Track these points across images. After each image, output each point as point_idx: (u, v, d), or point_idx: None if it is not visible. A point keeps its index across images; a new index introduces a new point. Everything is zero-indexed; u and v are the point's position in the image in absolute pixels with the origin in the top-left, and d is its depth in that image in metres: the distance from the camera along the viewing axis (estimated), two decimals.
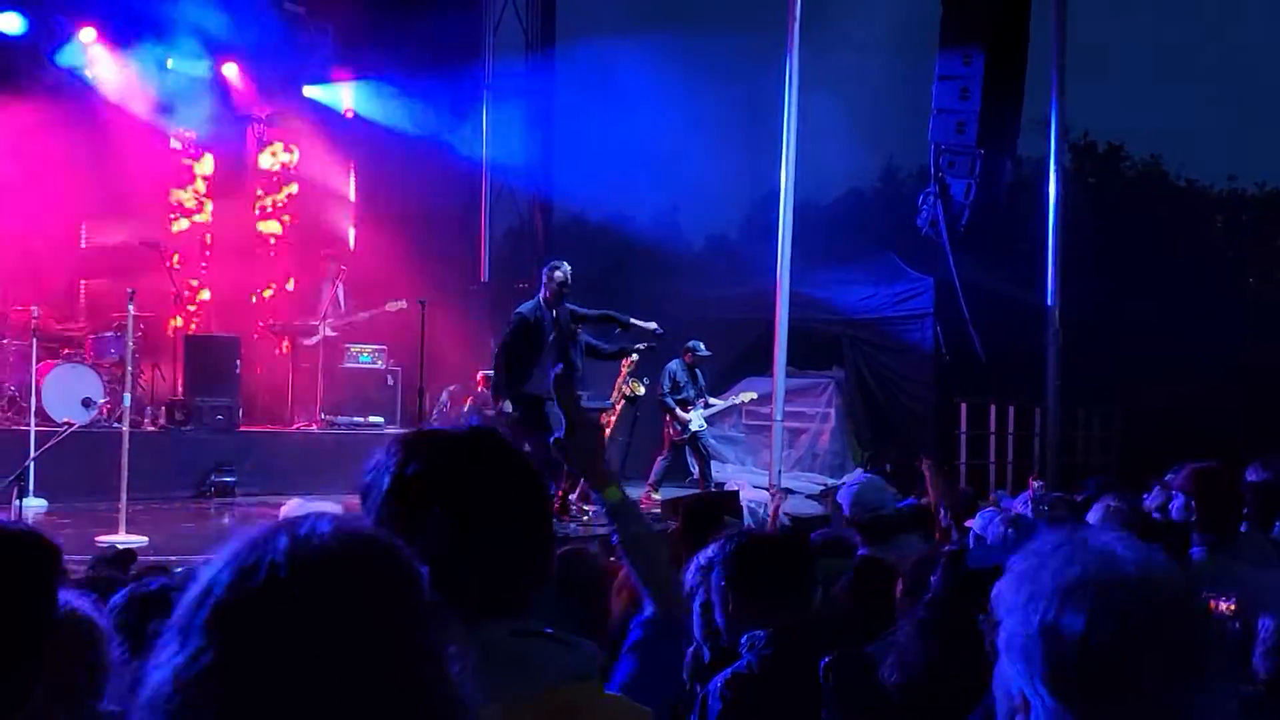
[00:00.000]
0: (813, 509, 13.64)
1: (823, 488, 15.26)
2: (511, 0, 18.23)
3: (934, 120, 14.88)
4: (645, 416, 14.10)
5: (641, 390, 13.59)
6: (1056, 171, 16.46)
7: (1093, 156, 34.51)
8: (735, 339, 16.48)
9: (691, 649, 3.96)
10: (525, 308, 11.15)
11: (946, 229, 14.92)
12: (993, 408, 17.67)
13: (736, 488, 11.97)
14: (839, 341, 17.21)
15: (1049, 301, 16.03)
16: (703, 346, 13.95)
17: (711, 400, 14.08)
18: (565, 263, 11.40)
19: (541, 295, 11.19)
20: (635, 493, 13.35)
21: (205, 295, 15.33)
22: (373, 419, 14.39)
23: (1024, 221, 17.97)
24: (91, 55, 14.26)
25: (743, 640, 3.46)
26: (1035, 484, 10.13)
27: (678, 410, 13.67)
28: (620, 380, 13.71)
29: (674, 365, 13.87)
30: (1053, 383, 16.00)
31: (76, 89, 14.15)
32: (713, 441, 14.70)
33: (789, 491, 13.67)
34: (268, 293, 15.97)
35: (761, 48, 14.97)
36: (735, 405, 14.93)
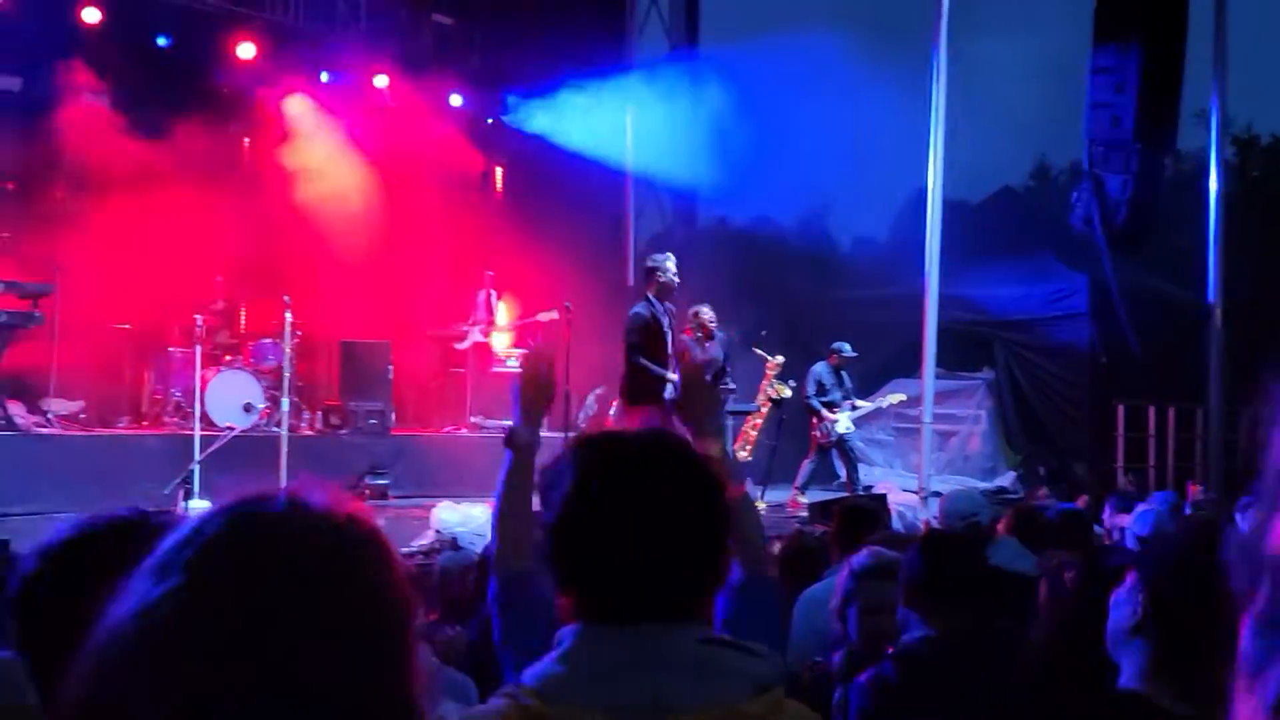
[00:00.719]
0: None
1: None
2: (655, 4, 18.30)
3: (1088, 115, 14.51)
4: (791, 419, 14.01)
5: (788, 393, 13.51)
6: (1218, 166, 15.91)
7: (1256, 150, 33.27)
8: (883, 341, 16.28)
9: (842, 650, 3.92)
10: (640, 308, 11.08)
11: (1102, 226, 14.52)
12: (1151, 410, 17.12)
13: (884, 491, 11.83)
14: (990, 342, 16.86)
15: (1210, 299, 15.50)
16: (848, 348, 13.81)
17: (859, 402, 13.93)
18: (670, 254, 11.37)
19: (651, 292, 11.11)
20: (782, 496, 13.29)
21: (359, 301, 15.68)
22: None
23: (1184, 218, 17.40)
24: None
25: (901, 641, 3.42)
26: (1195, 489, 9.80)
27: (824, 413, 13.55)
28: (765, 383, 13.65)
29: (820, 368, 13.76)
30: (1215, 383, 15.48)
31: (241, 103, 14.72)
32: (860, 444, 14.54)
33: (938, 495, 13.45)
34: (417, 298, 16.26)
35: (908, 43, 14.77)
36: (883, 407, 14.75)
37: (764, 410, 13.64)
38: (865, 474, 14.47)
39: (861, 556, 3.98)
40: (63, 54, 13.58)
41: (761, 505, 12.61)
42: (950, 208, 12.94)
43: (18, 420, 11.49)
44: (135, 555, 1.57)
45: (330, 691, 1.08)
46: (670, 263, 11.07)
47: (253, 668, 1.06)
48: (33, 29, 13.19)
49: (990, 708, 2.86)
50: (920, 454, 12.79)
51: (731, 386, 12.35)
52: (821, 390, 13.63)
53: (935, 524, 5.98)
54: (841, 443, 13.62)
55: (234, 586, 1.09)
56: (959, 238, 14.42)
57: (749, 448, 13.78)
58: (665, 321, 11.05)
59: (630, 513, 1.75)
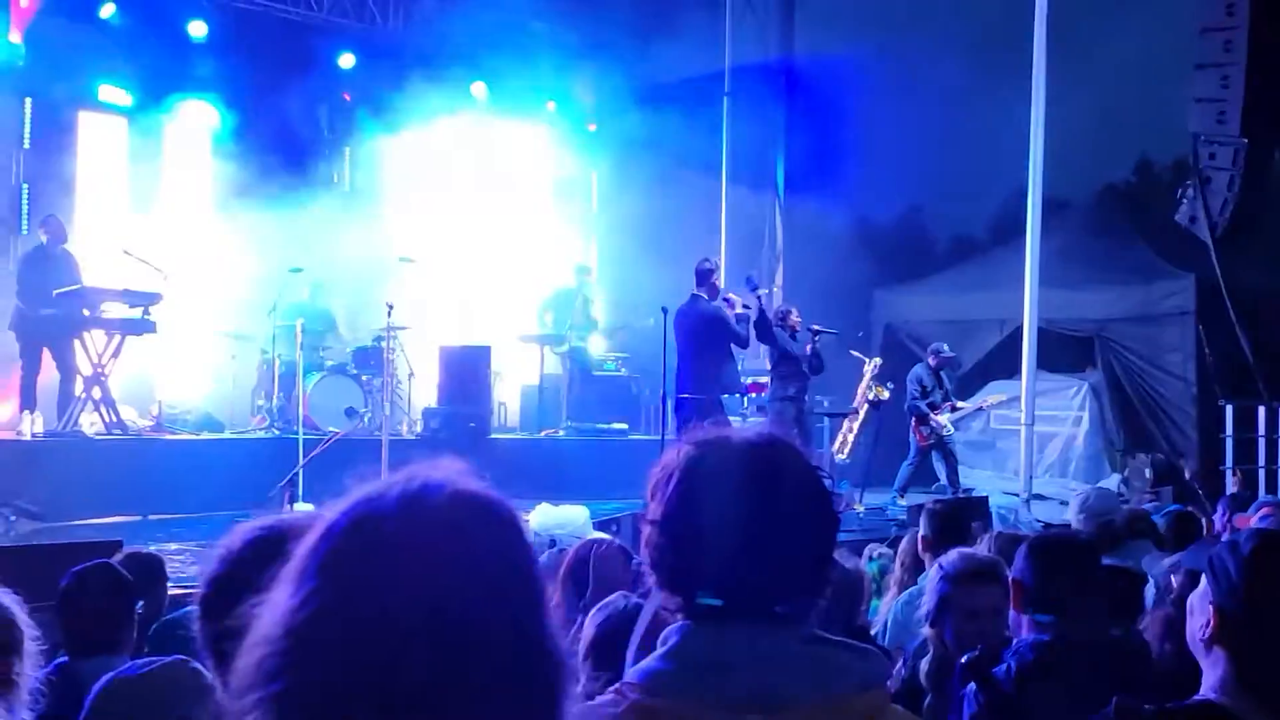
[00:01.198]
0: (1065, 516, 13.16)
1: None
2: (750, 5, 18.26)
3: (1193, 110, 14.19)
4: (889, 421, 13.88)
5: (886, 395, 13.40)
6: None
7: None
8: (982, 341, 16.07)
9: (931, 654, 3.88)
10: (715, 307, 11.07)
11: (1208, 223, 14.20)
12: (1261, 409, 16.66)
13: (985, 494, 11.67)
14: (1092, 342, 16.54)
15: None
16: (946, 347, 13.64)
17: (959, 403, 13.76)
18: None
19: (710, 293, 11.08)
20: (880, 499, 13.18)
21: (457, 305, 15.86)
22: (616, 426, 14.63)
23: None
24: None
25: (1015, 645, 3.37)
26: None
27: (931, 415, 13.33)
28: (863, 385, 13.55)
29: (920, 369, 13.58)
30: None
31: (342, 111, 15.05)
32: (960, 446, 14.35)
33: (1040, 498, 13.26)
34: (512, 303, 16.41)
35: (1006, 39, 14.57)
36: (982, 408, 14.56)
37: (862, 411, 13.54)
38: (965, 476, 14.29)
39: (952, 559, 3.92)
40: (171, 67, 13.96)
41: (859, 508, 12.53)
42: (1051, 206, 12.74)
43: (130, 424, 11.80)
44: None
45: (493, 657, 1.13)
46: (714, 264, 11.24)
47: (427, 643, 1.10)
48: (143, 44, 13.55)
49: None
50: (1021, 456, 12.61)
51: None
52: (923, 392, 13.46)
53: (1074, 522, 5.88)
54: (943, 444, 13.46)
55: (364, 595, 1.12)
56: (1059, 235, 14.21)
57: (846, 449, 13.70)
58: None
59: (738, 512, 1.76)
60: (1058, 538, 4.00)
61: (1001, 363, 15.45)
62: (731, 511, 1.76)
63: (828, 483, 1.87)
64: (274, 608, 1.15)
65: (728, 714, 1.68)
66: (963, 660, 3.40)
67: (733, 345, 11.05)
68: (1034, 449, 13.02)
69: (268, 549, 1.65)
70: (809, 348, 12.07)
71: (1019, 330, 12.61)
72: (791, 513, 1.79)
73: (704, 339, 10.84)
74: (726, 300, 11.05)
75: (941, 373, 13.64)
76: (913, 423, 13.48)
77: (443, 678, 1.11)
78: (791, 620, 1.77)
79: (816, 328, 12.21)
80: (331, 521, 1.19)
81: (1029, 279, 12.20)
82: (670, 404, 11.00)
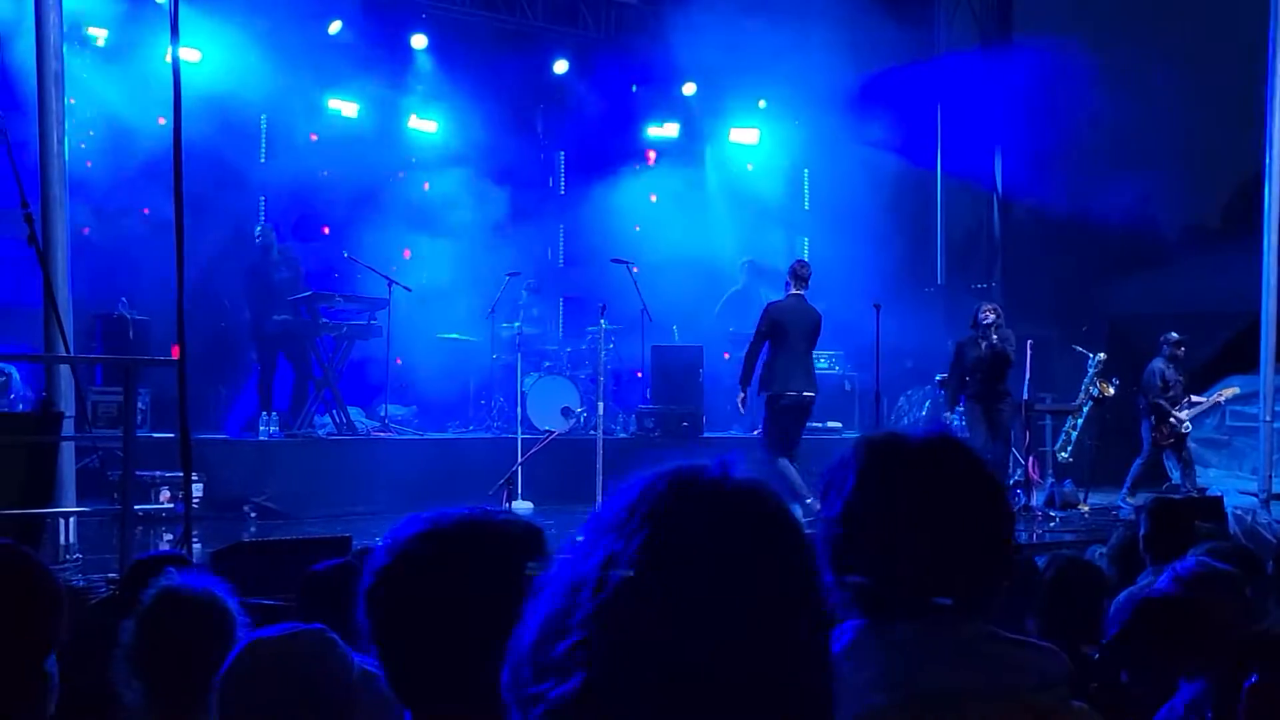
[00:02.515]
0: None
1: None
2: None
3: None
4: (1114, 418, 13.40)
5: (1111, 391, 12.94)
6: None
7: None
8: (1216, 332, 15.37)
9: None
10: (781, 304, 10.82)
11: None
12: None
13: (1220, 494, 11.17)
14: None
15: None
16: (1175, 335, 13.00)
17: (1193, 398, 13.16)
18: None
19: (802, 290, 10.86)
20: (1107, 499, 12.74)
21: (669, 306, 16.00)
22: (830, 424, 14.53)
23: None
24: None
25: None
26: None
27: (1174, 412, 12.76)
28: (1088, 381, 13.12)
29: (1158, 363, 12.96)
30: None
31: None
32: (1193, 444, 13.75)
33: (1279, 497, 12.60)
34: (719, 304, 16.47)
35: (1239, 14, 13.91)
36: (1219, 403, 13.92)
37: (1085, 409, 13.12)
38: (1199, 476, 13.69)
39: (1189, 564, 3.75)
40: (397, 77, 14.54)
41: (1084, 508, 12.15)
42: None
43: (358, 425, 12.31)
44: (479, 552, 1.69)
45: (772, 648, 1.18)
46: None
47: (713, 625, 1.15)
48: (370, 55, 14.14)
49: None
50: (1261, 454, 12.03)
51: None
52: (1165, 387, 12.86)
53: None
54: (1181, 442, 12.89)
55: (688, 548, 1.19)
56: None
57: (1069, 448, 13.29)
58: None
59: (913, 508, 1.79)
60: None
61: (1237, 356, 14.73)
62: (904, 505, 1.80)
63: (999, 478, 1.89)
64: (588, 558, 1.21)
65: (902, 711, 1.70)
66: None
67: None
68: (1274, 446, 12.39)
69: (436, 545, 1.72)
70: (983, 344, 11.63)
71: (1257, 320, 12.03)
72: (964, 506, 1.81)
73: (812, 341, 10.88)
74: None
75: (1174, 365, 13.06)
76: (1152, 420, 12.90)
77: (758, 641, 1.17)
78: (972, 614, 1.78)
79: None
80: (650, 482, 1.27)
81: (1267, 264, 11.64)
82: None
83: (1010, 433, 12.01)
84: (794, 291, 10.82)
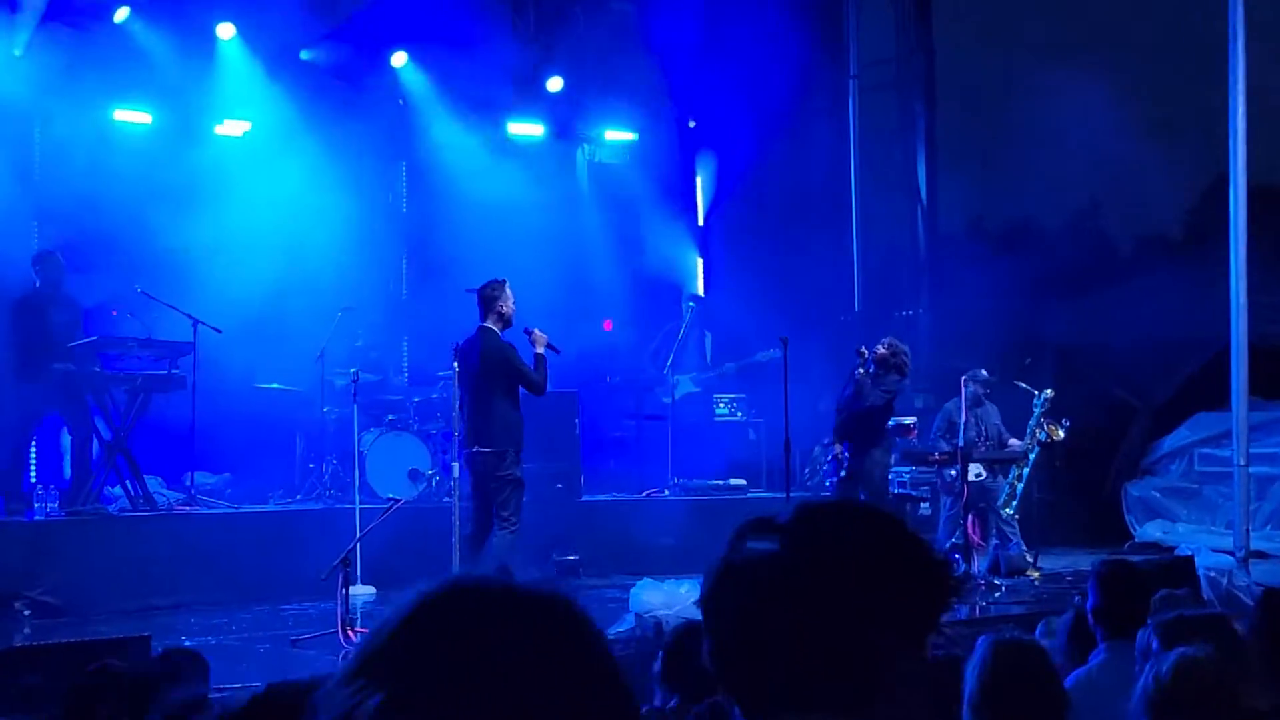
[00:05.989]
0: None
1: None
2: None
3: None
4: (1066, 465, 13.71)
5: (1061, 434, 13.23)
6: None
7: None
8: (1178, 363, 15.82)
9: None
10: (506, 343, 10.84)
11: None
12: None
13: (1190, 554, 11.47)
14: None
15: None
16: (984, 373, 13.39)
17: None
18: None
19: (499, 326, 10.79)
20: (1059, 563, 12.97)
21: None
22: (734, 482, 14.61)
23: None
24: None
25: None
26: None
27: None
28: (1034, 422, 13.38)
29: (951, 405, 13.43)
30: None
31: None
32: (1156, 494, 14.11)
33: (1260, 555, 12.97)
34: (607, 339, 16.49)
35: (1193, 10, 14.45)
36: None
37: (1031, 456, 13.37)
38: (1165, 531, 14.05)
39: (1168, 663, 3.81)
40: (200, 75, 14.39)
41: (1035, 574, 12.37)
42: (1259, 196, 12.55)
43: (158, 497, 12.07)
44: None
45: None
46: (509, 288, 10.89)
47: None
48: (167, 47, 13.99)
49: None
50: (1236, 504, 12.39)
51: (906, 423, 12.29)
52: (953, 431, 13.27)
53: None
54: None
55: (449, 679, 1.22)
56: (1273, 232, 13.95)
57: (1014, 503, 13.52)
58: None
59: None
60: None
61: (1203, 390, 15.18)
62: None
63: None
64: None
65: None
66: None
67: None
68: (1250, 495, 12.77)
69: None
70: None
71: (1226, 349, 12.41)
72: (895, 592, 1.81)
73: (492, 381, 10.64)
74: (527, 332, 10.90)
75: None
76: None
77: None
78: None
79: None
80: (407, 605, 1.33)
81: (1235, 285, 12.02)
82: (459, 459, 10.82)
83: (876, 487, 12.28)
84: (484, 324, 10.72)
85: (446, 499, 11.68)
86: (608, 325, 15.49)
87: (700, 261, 17.58)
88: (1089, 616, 5.52)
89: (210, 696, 5.61)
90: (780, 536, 1.79)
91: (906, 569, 1.80)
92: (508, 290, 10.79)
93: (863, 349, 12.15)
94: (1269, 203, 13.88)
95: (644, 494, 14.68)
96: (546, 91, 16.25)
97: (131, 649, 5.86)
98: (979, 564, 12.52)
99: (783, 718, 1.76)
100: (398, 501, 11.69)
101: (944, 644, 4.47)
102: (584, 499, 13.91)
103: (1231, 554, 12.04)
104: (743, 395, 15.56)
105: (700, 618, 1.82)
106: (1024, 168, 16.97)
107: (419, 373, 14.93)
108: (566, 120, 16.71)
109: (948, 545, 12.29)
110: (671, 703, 4.50)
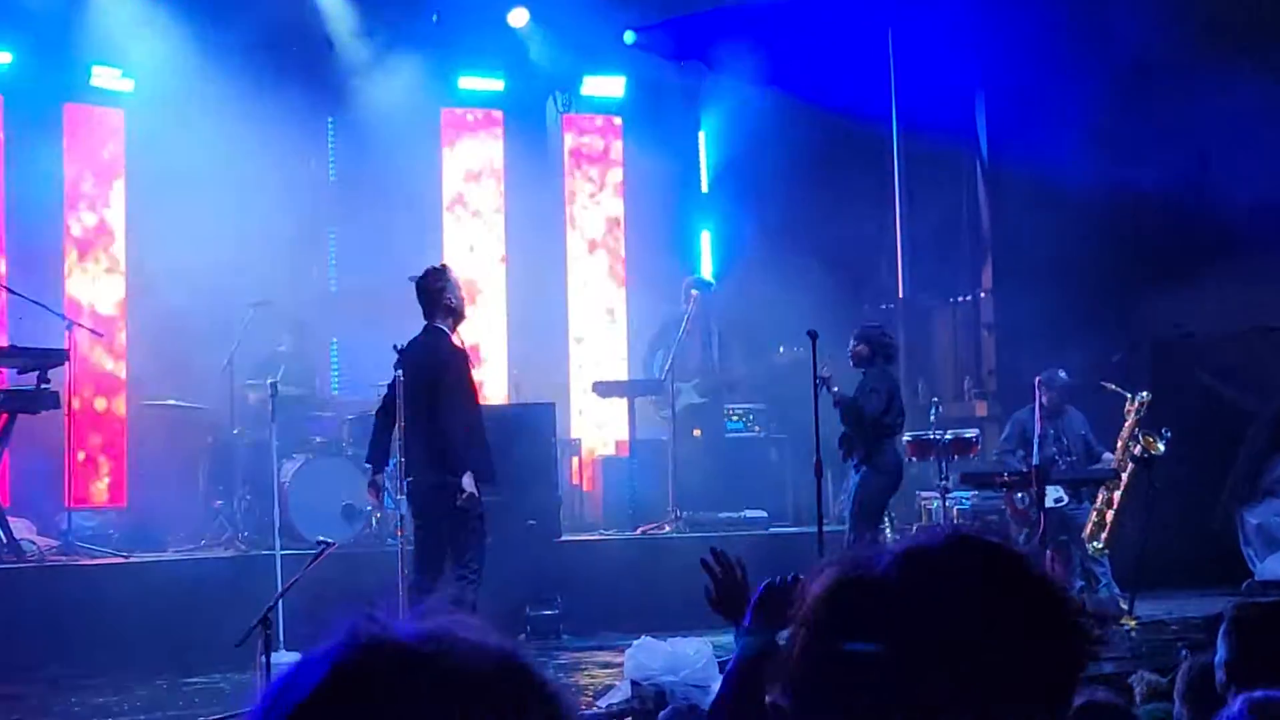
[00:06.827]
0: None
1: None
2: None
3: None
4: (1167, 487, 13.64)
5: (1161, 447, 13.15)
6: None
7: None
8: None
9: None
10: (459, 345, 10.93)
11: None
12: None
13: None
14: None
15: None
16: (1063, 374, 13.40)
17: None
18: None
19: (450, 324, 10.83)
20: (1157, 609, 12.91)
21: (496, 349, 15.93)
22: (751, 514, 14.54)
23: None
24: None
25: None
26: None
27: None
28: (1125, 434, 13.33)
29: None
30: None
31: None
32: (1277, 519, 14.08)
33: None
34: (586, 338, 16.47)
35: None
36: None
37: (1125, 476, 13.31)
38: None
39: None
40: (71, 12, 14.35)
41: (1131, 622, 12.32)
42: None
43: (25, 546, 11.97)
44: None
45: None
46: (453, 275, 10.96)
47: None
48: None
49: None
50: None
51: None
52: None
53: None
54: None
55: None
56: None
57: (1102, 534, 13.43)
58: None
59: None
60: None
61: None
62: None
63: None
64: None
65: None
66: None
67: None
68: None
69: None
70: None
71: None
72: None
73: (441, 393, 10.62)
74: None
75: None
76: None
77: None
78: None
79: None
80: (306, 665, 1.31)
81: None
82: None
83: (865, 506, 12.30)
84: (433, 324, 10.72)
85: (391, 541, 11.62)
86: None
87: (706, 235, 17.54)
88: (1218, 672, 5.44)
89: None
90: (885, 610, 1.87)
91: (1041, 630, 1.87)
92: (452, 278, 10.76)
93: (824, 371, 11.92)
94: None
95: (639, 531, 14.62)
96: (508, 27, 16.20)
97: None
98: None
99: None
100: (329, 546, 11.59)
101: None
102: (564, 539, 13.83)
103: None
104: (760, 406, 15.50)
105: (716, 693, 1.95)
106: (1113, 106, 16.87)
107: (353, 383, 14.88)
108: (532, 66, 16.68)
109: None
110: None
